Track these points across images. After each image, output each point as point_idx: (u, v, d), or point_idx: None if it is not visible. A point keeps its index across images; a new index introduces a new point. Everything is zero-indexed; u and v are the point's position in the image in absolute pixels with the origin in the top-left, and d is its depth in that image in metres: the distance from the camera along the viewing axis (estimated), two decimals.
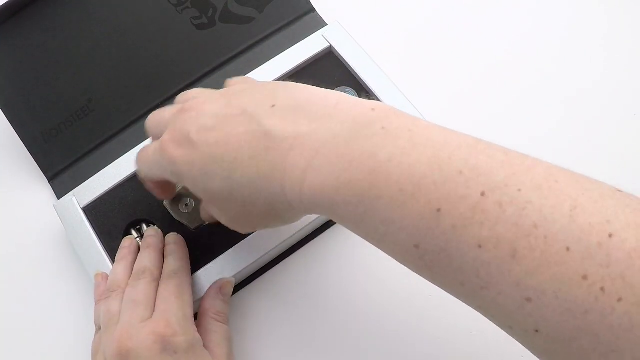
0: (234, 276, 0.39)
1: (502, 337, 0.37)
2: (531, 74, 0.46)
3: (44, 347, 0.41)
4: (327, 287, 0.40)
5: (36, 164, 0.46)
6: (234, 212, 0.30)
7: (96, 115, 0.46)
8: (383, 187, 0.23)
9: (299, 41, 0.45)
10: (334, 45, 0.44)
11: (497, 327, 0.37)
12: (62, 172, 0.45)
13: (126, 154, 0.43)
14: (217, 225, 0.34)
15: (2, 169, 0.47)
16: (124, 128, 0.45)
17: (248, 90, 0.30)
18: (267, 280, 0.41)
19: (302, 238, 0.41)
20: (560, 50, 0.47)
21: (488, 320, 0.38)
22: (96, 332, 0.37)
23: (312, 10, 0.48)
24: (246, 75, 0.44)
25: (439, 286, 0.25)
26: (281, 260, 0.41)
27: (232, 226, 0.32)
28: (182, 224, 0.40)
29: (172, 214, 0.40)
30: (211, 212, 0.32)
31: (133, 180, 0.42)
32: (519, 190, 0.22)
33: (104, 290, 0.39)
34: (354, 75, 0.43)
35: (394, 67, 0.45)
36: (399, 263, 0.40)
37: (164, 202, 0.40)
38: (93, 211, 0.42)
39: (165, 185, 0.37)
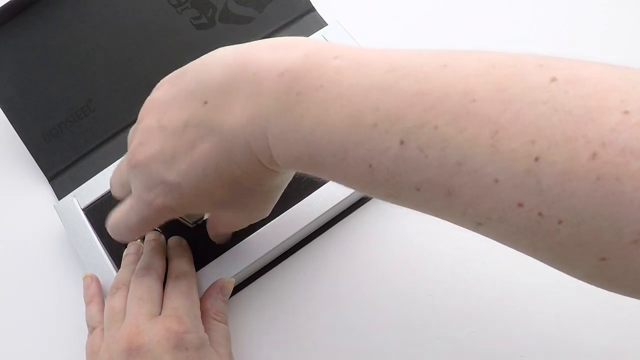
0: (233, 277, 0.39)
1: (502, 337, 0.38)
2: None
3: (44, 347, 0.41)
4: (326, 288, 0.40)
5: (36, 164, 0.46)
6: (238, 213, 0.31)
7: (96, 115, 0.46)
8: (321, 156, 0.24)
9: None
10: None
11: (497, 327, 0.37)
12: (62, 172, 0.45)
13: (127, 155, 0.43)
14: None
15: (3, 169, 0.47)
16: (124, 128, 0.45)
17: (174, 104, 0.29)
18: (266, 281, 0.41)
19: (300, 240, 0.41)
20: (559, 49, 0.47)
21: (488, 320, 0.38)
22: (90, 333, 0.37)
23: (312, 10, 0.48)
24: None
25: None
26: (280, 262, 0.41)
27: (236, 220, 0.33)
28: (182, 226, 0.40)
29: None
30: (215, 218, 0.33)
31: None
32: (435, 128, 0.21)
33: (94, 291, 0.39)
34: None
35: None
36: (397, 264, 0.40)
37: None
38: (94, 212, 0.42)
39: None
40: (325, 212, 0.39)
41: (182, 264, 0.38)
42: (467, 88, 0.21)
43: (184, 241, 0.39)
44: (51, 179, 0.45)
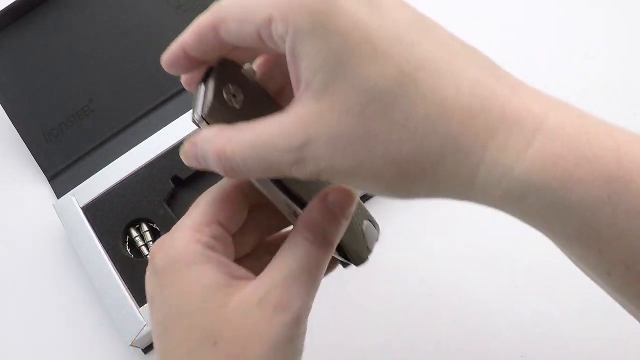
0: None
1: (502, 337, 0.37)
2: (530, 74, 0.46)
3: (43, 346, 0.41)
4: (326, 288, 0.40)
5: (37, 164, 0.46)
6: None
7: (97, 116, 0.46)
8: (632, 170, 0.19)
9: None
10: None
11: (498, 327, 0.37)
12: (62, 172, 0.45)
13: (126, 154, 0.43)
14: None
15: (3, 168, 0.48)
16: (124, 128, 0.46)
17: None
18: None
19: None
20: (559, 50, 0.47)
21: (488, 320, 0.38)
22: None
23: None
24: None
25: None
26: None
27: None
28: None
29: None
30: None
31: (133, 180, 0.42)
32: None
33: None
34: None
35: None
36: (397, 264, 0.40)
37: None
38: (93, 211, 0.42)
39: None
40: None
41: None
42: None
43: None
44: (51, 178, 0.46)
